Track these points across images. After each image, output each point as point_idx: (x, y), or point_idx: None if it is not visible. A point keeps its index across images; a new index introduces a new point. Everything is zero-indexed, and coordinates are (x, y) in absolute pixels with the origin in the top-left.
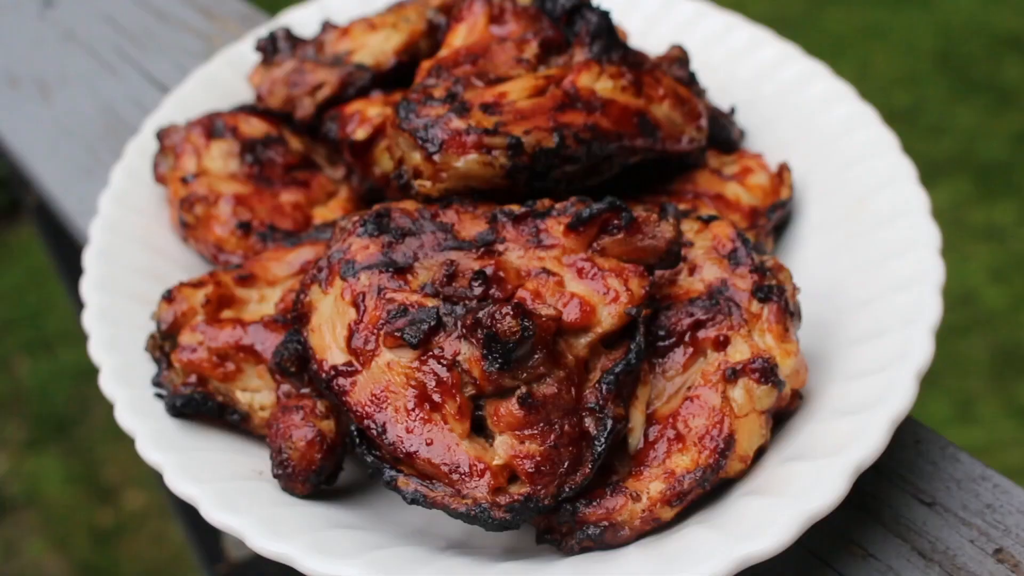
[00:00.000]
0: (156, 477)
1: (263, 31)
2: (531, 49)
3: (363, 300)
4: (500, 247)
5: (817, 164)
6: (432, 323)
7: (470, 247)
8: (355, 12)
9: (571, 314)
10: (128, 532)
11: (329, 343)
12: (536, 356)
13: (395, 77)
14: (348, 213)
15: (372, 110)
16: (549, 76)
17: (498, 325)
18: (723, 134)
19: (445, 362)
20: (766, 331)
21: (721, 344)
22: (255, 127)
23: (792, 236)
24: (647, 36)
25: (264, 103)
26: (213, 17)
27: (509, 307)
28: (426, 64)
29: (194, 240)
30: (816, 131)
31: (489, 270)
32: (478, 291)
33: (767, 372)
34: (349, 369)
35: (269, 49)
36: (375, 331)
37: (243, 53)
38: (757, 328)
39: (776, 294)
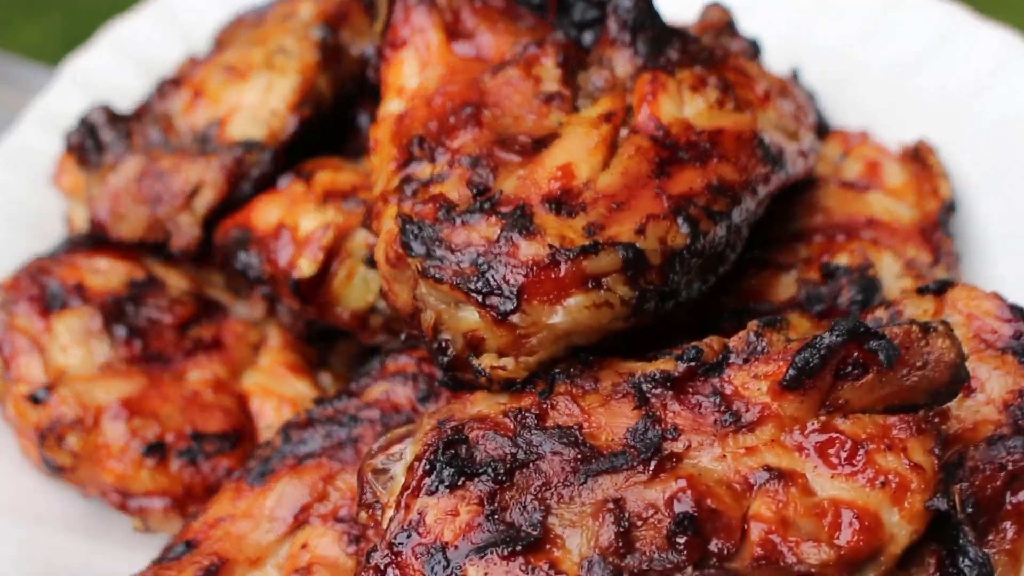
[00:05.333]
0: None
1: (55, 110)
2: (550, 72)
3: None
4: (676, 446)
5: (953, 135)
6: None
7: (626, 462)
8: (218, 14)
9: (846, 540)
10: None
11: None
12: None
13: (298, 145)
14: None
15: (306, 220)
16: (609, 115)
17: None
18: None
19: None
20: None
21: None
22: (109, 273)
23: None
24: None
25: (111, 231)
26: None
27: None
28: (383, 132)
29: (78, 484)
30: (935, 84)
31: (687, 504)
32: (687, 552)
33: None
34: None
35: (90, 148)
36: None
37: (23, 145)
38: None
39: None
